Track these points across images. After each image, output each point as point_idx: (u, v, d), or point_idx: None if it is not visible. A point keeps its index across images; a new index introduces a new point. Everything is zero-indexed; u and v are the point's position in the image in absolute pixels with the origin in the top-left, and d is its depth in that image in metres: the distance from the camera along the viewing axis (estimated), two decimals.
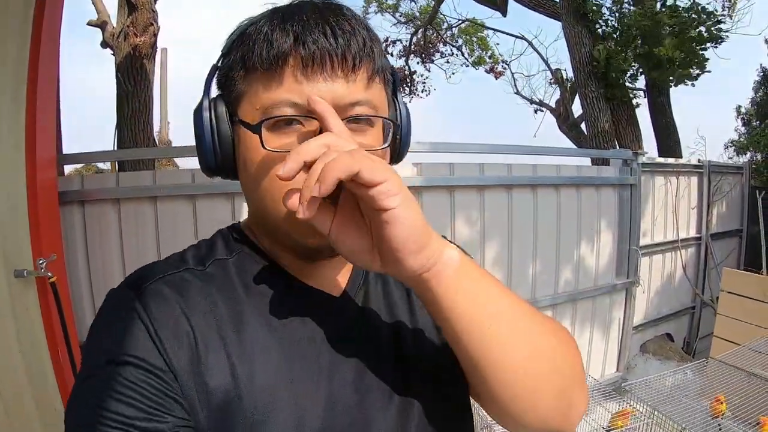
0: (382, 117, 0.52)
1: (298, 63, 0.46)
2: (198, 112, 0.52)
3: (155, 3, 3.41)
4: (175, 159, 5.12)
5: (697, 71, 4.69)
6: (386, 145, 0.52)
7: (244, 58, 0.49)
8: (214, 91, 0.54)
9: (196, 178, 2.23)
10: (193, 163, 2.85)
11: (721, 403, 1.88)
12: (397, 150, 0.59)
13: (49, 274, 1.76)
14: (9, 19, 1.65)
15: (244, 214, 2.16)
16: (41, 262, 1.74)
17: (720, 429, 1.83)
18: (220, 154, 0.52)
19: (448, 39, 10.50)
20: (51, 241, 1.86)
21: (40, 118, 1.76)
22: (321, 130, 0.45)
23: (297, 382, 0.49)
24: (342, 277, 0.58)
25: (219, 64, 0.54)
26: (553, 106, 8.75)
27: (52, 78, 1.88)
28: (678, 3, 4.83)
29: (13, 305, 1.68)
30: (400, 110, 0.58)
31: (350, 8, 0.51)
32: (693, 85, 4.83)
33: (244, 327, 0.49)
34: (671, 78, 4.82)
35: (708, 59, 4.68)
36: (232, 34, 0.53)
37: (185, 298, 0.48)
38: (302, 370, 0.50)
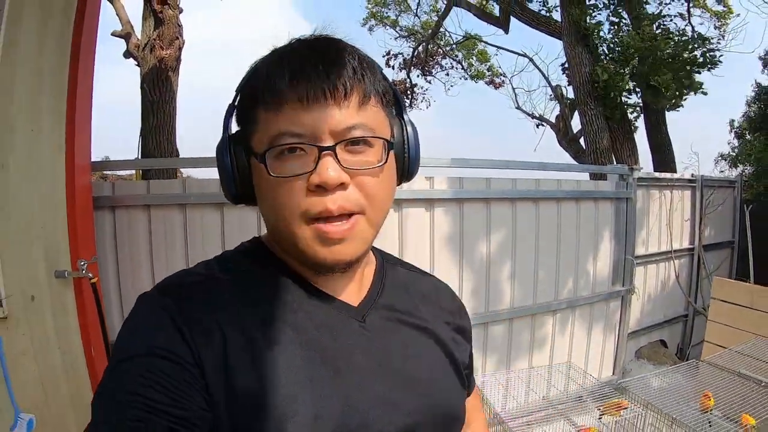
0: (377, 137, 0.54)
1: (294, 98, 0.50)
2: (219, 149, 0.56)
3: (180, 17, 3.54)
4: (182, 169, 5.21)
5: (691, 93, 4.82)
6: (382, 163, 0.54)
7: (253, 97, 0.54)
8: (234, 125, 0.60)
9: None
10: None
11: (710, 398, 2.00)
12: (406, 167, 0.61)
13: (90, 275, 1.83)
14: (49, 31, 1.73)
15: None
16: (82, 263, 1.81)
17: (709, 423, 1.93)
18: (240, 186, 0.56)
19: (448, 53, 10.62)
20: (87, 243, 1.93)
21: (78, 126, 1.84)
22: (319, 156, 0.50)
23: (316, 382, 0.52)
24: (360, 287, 0.63)
25: (235, 103, 0.58)
26: (553, 121, 8.86)
27: (88, 87, 1.94)
28: (672, 21, 5.00)
29: (53, 304, 1.74)
30: (405, 129, 0.60)
31: (342, 40, 0.56)
32: (682, 106, 4.97)
33: (268, 330, 0.53)
34: (665, 102, 4.97)
35: (702, 82, 4.81)
36: (244, 76, 0.57)
37: (214, 302, 0.52)
38: (321, 370, 0.53)
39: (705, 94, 4.78)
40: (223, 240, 2.31)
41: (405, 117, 0.61)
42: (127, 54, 3.88)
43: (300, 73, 0.50)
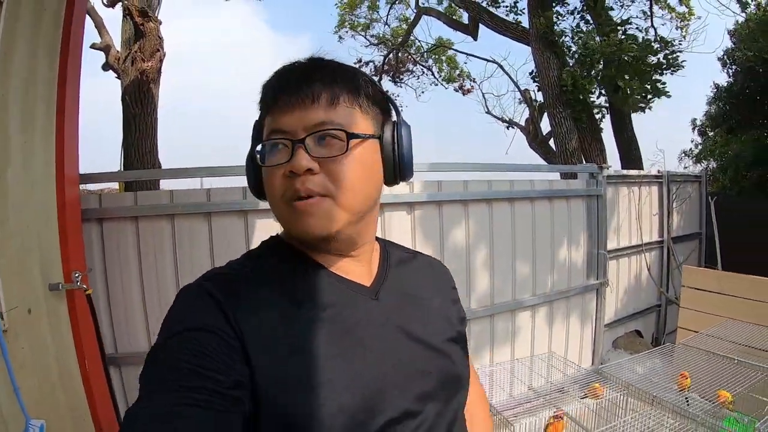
0: (340, 130, 0.60)
1: (280, 105, 0.61)
2: (249, 155, 0.68)
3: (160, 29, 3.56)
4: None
5: (655, 98, 4.97)
6: (343, 152, 0.60)
7: (261, 109, 0.66)
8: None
9: (212, 196, 2.36)
10: (206, 182, 2.98)
11: (686, 378, 2.09)
12: (395, 168, 0.67)
13: (84, 286, 1.86)
14: (40, 41, 1.75)
15: (255, 230, 2.36)
16: (77, 275, 1.82)
17: (687, 400, 2.02)
18: (257, 182, 0.67)
19: (418, 59, 10.78)
20: (78, 256, 1.94)
21: (67, 137, 1.86)
22: (293, 149, 0.59)
23: (344, 352, 0.59)
24: (370, 270, 0.71)
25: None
26: (523, 124, 9.07)
27: (75, 98, 1.96)
28: (638, 29, 5.18)
29: (48, 316, 1.74)
30: (396, 131, 0.67)
31: (324, 58, 0.66)
32: (650, 108, 5.12)
33: (298, 310, 0.61)
34: (629, 104, 5.12)
35: (665, 83, 4.97)
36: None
37: (250, 288, 0.61)
38: (346, 342, 0.61)
39: (668, 96, 4.95)
40: (212, 249, 2.34)
41: (395, 119, 0.69)
42: (107, 66, 3.87)
43: (284, 85, 0.62)
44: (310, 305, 0.62)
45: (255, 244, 0.73)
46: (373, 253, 0.74)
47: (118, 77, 3.68)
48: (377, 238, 0.77)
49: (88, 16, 3.89)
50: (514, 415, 2.36)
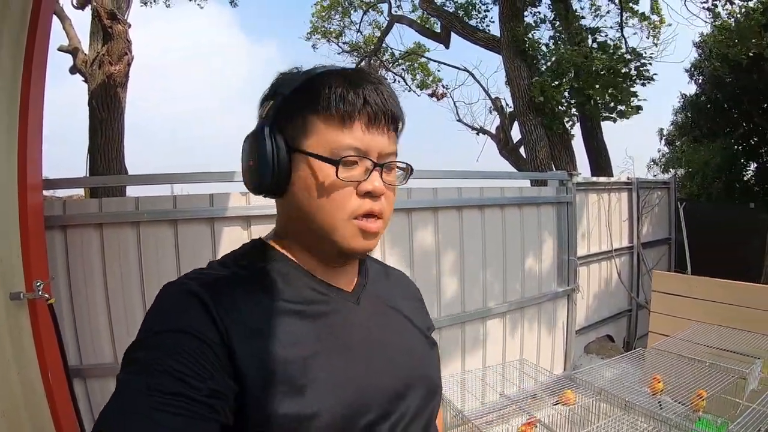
0: (403, 163, 0.68)
1: (364, 119, 0.61)
2: (259, 139, 0.62)
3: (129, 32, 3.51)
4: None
5: (626, 110, 5.05)
6: (405, 181, 0.70)
7: (318, 106, 0.61)
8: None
9: (178, 203, 2.33)
10: (167, 190, 2.93)
11: (659, 381, 2.11)
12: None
13: (46, 296, 1.80)
14: (3, 44, 1.70)
15: (222, 237, 2.34)
16: (38, 284, 1.77)
17: (660, 404, 2.03)
18: (277, 176, 0.63)
19: (391, 67, 10.83)
20: (41, 264, 1.88)
21: (30, 142, 1.80)
22: (371, 170, 0.62)
23: (330, 354, 0.61)
24: (350, 279, 0.73)
25: (277, 102, 0.65)
26: (494, 132, 9.17)
27: (39, 102, 1.90)
28: (608, 40, 5.29)
29: (10, 327, 1.69)
30: None
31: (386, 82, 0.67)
32: (627, 118, 5.18)
33: (285, 313, 0.61)
34: (600, 113, 5.23)
35: (636, 94, 5.05)
36: (292, 77, 0.66)
37: (238, 292, 0.60)
38: (331, 344, 0.62)
39: (640, 110, 5.04)
40: (178, 256, 2.31)
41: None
42: (74, 69, 3.79)
43: (370, 98, 0.62)
44: (297, 310, 0.63)
45: (222, 251, 0.74)
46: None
47: (86, 81, 3.60)
48: None
49: (56, 18, 3.83)
50: (486, 422, 2.37)
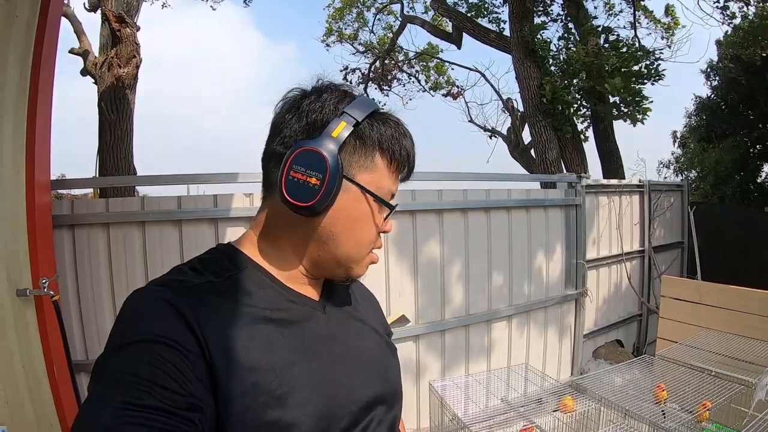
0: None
1: (403, 172, 0.71)
2: (323, 158, 0.60)
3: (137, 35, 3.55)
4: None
5: (637, 110, 4.99)
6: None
7: (390, 152, 0.67)
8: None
9: (183, 204, 2.35)
10: (179, 190, 2.95)
11: (663, 390, 2.08)
12: None
13: (51, 292, 1.84)
14: (11, 49, 1.76)
15: (226, 237, 2.36)
16: (44, 281, 1.81)
17: (663, 414, 2.00)
18: (330, 200, 0.62)
19: (404, 67, 10.85)
20: (47, 262, 1.92)
21: (38, 143, 1.84)
22: (390, 214, 0.71)
23: (304, 363, 0.61)
24: (317, 289, 0.73)
25: (349, 125, 0.63)
26: (505, 133, 9.11)
27: (47, 104, 1.94)
28: (620, 38, 5.21)
29: (16, 322, 1.76)
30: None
31: None
32: (642, 122, 5.09)
33: (261, 322, 0.61)
34: (613, 112, 5.15)
35: (648, 98, 4.97)
36: (360, 102, 0.65)
37: (214, 301, 0.58)
38: (305, 354, 0.63)
39: (649, 111, 4.96)
40: (182, 256, 2.33)
41: None
42: (85, 72, 3.85)
43: (413, 155, 0.71)
44: (274, 318, 0.63)
45: (210, 248, 0.71)
46: None
47: (96, 83, 3.65)
48: None
49: (67, 21, 3.89)
50: (487, 427, 2.34)
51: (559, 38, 5.61)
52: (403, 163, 0.69)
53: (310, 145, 0.61)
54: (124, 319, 0.55)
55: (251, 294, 0.63)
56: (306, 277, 0.70)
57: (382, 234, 0.72)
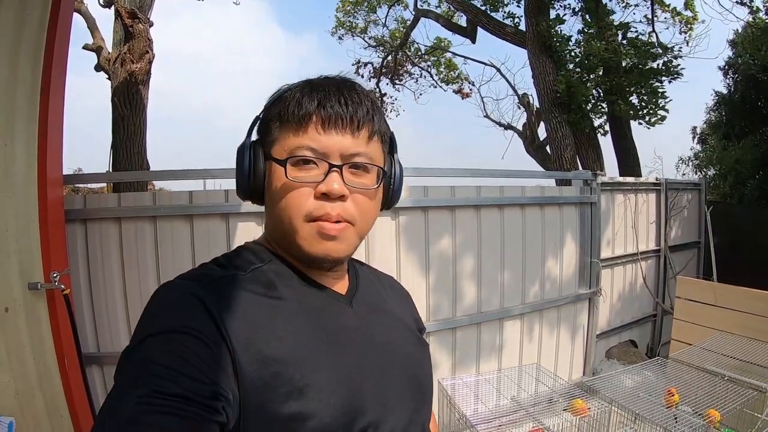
0: (375, 165, 0.67)
1: (318, 120, 0.62)
2: (241, 151, 0.66)
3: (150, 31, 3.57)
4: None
5: (653, 112, 4.91)
6: (376, 186, 0.67)
7: (280, 114, 0.64)
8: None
9: (194, 199, 2.36)
10: (189, 185, 2.99)
11: (673, 395, 2.06)
12: (389, 197, 0.74)
13: (62, 286, 1.86)
14: (23, 44, 1.77)
15: (237, 232, 2.37)
16: (55, 275, 1.83)
17: (675, 418, 1.99)
18: (253, 183, 0.66)
19: (416, 61, 10.77)
20: (59, 256, 1.95)
21: (50, 138, 1.87)
22: (328, 171, 0.62)
23: (326, 354, 0.61)
24: (342, 282, 0.74)
25: (260, 116, 0.69)
26: (521, 129, 8.98)
27: (59, 101, 1.96)
28: (638, 34, 5.13)
29: (27, 315, 1.78)
30: (394, 166, 0.73)
31: (361, 85, 0.69)
32: (660, 122, 5.02)
33: (283, 314, 0.61)
34: (630, 112, 5.06)
35: (664, 95, 4.92)
36: (272, 95, 0.69)
37: (238, 292, 0.60)
38: (328, 346, 0.63)
39: (666, 112, 4.87)
40: (193, 251, 2.34)
41: (395, 156, 0.74)
42: (99, 67, 3.88)
43: (326, 101, 0.63)
44: (294, 310, 0.63)
45: (237, 246, 0.73)
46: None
47: (109, 78, 3.69)
48: None
49: (81, 17, 3.92)
50: (495, 427, 2.32)
51: (579, 32, 5.51)
52: (300, 111, 0.63)
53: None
54: (150, 311, 0.57)
55: (275, 286, 0.64)
56: (321, 271, 0.69)
57: (335, 200, 0.63)
